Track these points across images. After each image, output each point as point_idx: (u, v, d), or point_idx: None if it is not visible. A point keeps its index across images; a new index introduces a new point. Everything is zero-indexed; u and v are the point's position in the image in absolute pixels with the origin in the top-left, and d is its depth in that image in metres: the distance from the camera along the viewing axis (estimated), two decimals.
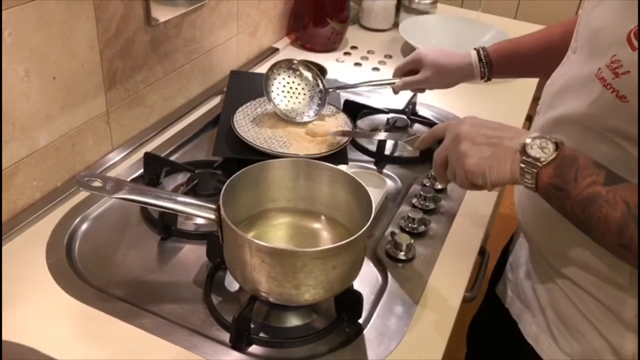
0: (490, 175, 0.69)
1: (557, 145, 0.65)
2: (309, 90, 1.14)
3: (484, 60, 1.04)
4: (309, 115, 1.12)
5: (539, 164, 0.65)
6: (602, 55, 0.65)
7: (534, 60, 1.01)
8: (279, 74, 1.13)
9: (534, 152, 0.65)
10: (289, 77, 1.14)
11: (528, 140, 0.66)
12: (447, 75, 1.08)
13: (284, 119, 1.11)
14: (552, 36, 0.98)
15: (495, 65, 1.04)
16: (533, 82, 1.47)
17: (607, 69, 0.63)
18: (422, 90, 1.15)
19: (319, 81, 1.14)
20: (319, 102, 1.14)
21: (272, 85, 1.12)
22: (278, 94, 1.12)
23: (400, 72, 1.12)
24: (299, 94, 1.14)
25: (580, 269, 0.76)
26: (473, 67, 1.05)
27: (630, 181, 0.62)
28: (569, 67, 0.76)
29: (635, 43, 0.60)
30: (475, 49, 1.05)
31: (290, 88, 1.14)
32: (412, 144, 0.88)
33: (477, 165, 0.70)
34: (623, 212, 0.59)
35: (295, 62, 1.14)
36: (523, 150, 0.66)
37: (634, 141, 0.64)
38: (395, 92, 1.15)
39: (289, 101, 1.13)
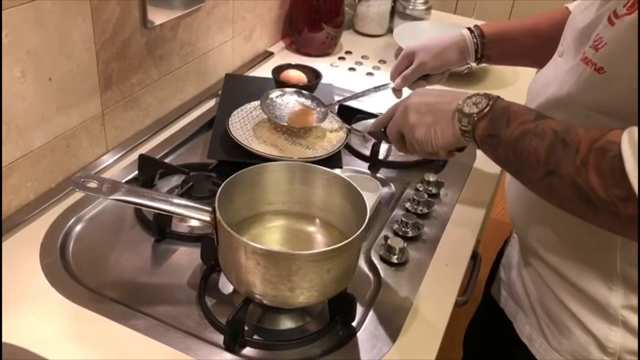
0: (436, 140, 0.73)
1: (490, 99, 0.68)
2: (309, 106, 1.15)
3: (475, 32, 1.03)
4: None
5: (474, 117, 0.68)
6: (585, 43, 0.67)
7: (523, 40, 1.01)
8: (275, 97, 1.14)
9: (468, 108, 0.69)
10: (287, 96, 1.15)
11: (463, 100, 0.70)
12: (441, 53, 1.05)
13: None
14: (541, 21, 0.99)
15: (487, 38, 1.03)
16: (523, 91, 1.48)
17: (590, 49, 0.65)
18: (423, 85, 1.11)
19: (317, 101, 1.15)
20: (320, 117, 1.13)
21: (270, 104, 1.12)
22: (278, 109, 1.12)
23: (397, 72, 1.11)
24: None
25: (566, 258, 0.76)
26: (466, 39, 1.03)
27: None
28: (555, 67, 0.77)
29: (615, 20, 0.62)
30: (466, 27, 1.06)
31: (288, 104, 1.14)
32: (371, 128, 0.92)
33: (424, 133, 0.74)
34: (551, 139, 0.61)
35: (288, 88, 1.16)
36: (460, 110, 0.70)
37: (612, 116, 0.64)
38: (398, 95, 1.13)
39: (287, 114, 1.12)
